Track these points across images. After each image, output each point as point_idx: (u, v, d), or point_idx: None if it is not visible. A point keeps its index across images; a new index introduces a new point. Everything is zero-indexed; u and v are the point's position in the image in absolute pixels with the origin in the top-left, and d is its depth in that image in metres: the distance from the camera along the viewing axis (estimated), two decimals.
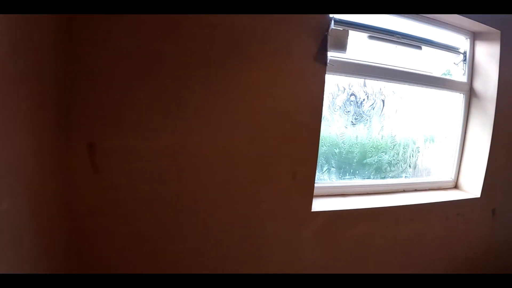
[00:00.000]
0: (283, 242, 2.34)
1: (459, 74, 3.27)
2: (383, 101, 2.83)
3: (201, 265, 2.16)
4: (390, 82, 2.82)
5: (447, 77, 3.20)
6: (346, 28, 2.16)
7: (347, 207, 2.52)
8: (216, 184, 2.08)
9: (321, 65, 2.20)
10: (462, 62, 3.25)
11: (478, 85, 3.22)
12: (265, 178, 2.19)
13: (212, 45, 1.94)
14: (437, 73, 3.16)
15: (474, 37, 3.20)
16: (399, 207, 2.74)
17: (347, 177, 2.83)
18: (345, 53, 2.18)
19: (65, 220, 1.79)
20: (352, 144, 2.79)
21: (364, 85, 2.73)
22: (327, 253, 2.51)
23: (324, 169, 2.71)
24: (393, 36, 2.73)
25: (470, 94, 3.28)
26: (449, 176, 3.42)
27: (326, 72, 2.24)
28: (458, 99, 3.31)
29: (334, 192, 2.74)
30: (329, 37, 2.13)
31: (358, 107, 2.73)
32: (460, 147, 3.36)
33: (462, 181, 3.40)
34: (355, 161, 2.84)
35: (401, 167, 3.11)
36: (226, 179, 2.10)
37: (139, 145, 1.88)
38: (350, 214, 2.50)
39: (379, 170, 2.99)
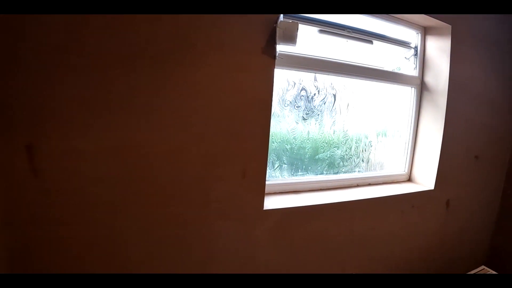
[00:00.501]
0: (235, 243, 2.30)
1: (411, 68, 3.34)
2: (334, 95, 2.84)
3: (152, 270, 2.09)
4: (341, 76, 2.83)
5: (398, 71, 3.24)
6: (295, 21, 2.13)
7: (300, 204, 2.50)
8: (164, 185, 2.01)
9: (270, 58, 2.16)
10: (413, 57, 3.32)
11: (429, 79, 3.31)
12: (214, 177, 2.13)
13: (155, 39, 1.86)
14: (388, 67, 3.20)
15: (425, 31, 3.26)
16: (353, 201, 2.76)
17: (300, 173, 2.82)
18: (294, 45, 2.14)
19: (4, 229, 1.70)
20: (304, 139, 2.77)
21: (315, 80, 2.72)
22: (281, 252, 2.49)
23: (276, 166, 2.69)
24: (344, 30, 2.73)
25: (422, 88, 3.37)
26: (403, 169, 3.50)
27: (276, 66, 2.21)
28: (409, 93, 3.38)
29: (287, 189, 2.72)
30: (278, 30, 2.09)
31: (309, 102, 2.72)
32: (412, 140, 3.45)
33: (415, 174, 3.49)
34: (307, 157, 2.83)
35: (354, 161, 3.14)
36: (174, 179, 2.03)
37: (81, 145, 1.77)
38: (303, 211, 2.49)
39: (332, 166, 3.00)
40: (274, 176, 2.70)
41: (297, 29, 2.08)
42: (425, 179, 3.38)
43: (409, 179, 3.53)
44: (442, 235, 3.56)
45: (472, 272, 3.23)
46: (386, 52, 3.17)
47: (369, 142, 3.21)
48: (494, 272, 3.27)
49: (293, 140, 2.71)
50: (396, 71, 3.23)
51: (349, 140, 3.04)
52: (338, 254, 2.78)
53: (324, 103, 2.80)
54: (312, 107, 2.74)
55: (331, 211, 2.63)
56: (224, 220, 2.22)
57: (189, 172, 2.06)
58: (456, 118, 3.28)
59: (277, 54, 2.18)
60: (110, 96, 1.80)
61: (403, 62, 3.32)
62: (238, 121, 2.13)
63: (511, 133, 4.06)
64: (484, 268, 3.34)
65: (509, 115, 3.93)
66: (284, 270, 2.51)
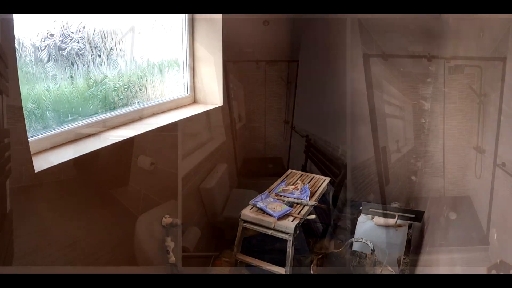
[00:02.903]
0: None
1: None
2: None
3: None
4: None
5: None
6: None
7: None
8: None
9: None
10: None
11: None
12: None
13: None
14: None
15: None
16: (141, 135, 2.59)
17: (70, 118, 2.40)
18: None
19: None
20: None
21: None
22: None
23: (38, 115, 2.20)
24: None
25: None
26: (186, 92, 3.47)
27: None
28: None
29: (60, 141, 2.28)
30: None
31: (63, 29, 2.25)
32: (190, 59, 3.39)
33: (200, 94, 3.51)
34: (75, 97, 2.41)
35: (131, 92, 2.87)
36: None
37: None
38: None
39: (106, 102, 2.67)
40: (40, 129, 2.22)
41: None
42: (212, 97, 3.46)
43: (194, 101, 3.53)
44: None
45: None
46: None
47: (144, 67, 2.99)
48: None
49: (52, 80, 2.24)
50: None
51: (120, 69, 2.74)
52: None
53: (83, 27, 2.40)
54: (66, 36, 2.28)
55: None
56: None
57: None
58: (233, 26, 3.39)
59: None
60: None
61: None
62: None
63: None
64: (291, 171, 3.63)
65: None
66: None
